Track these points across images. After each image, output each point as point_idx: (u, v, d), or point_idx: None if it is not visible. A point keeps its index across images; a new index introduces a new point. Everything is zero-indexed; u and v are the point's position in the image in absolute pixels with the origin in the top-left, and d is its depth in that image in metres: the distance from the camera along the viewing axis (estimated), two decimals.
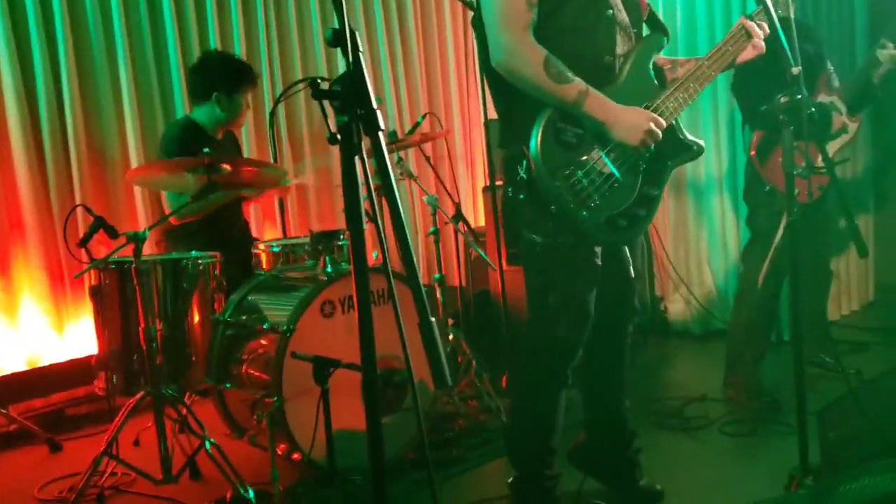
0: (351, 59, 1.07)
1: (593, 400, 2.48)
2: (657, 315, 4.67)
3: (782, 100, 2.06)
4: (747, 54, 2.18)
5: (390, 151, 3.72)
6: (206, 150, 2.92)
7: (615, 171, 2.05)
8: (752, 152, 3.17)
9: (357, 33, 1.08)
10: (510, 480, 2.28)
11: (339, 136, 1.09)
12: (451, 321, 3.67)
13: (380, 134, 1.09)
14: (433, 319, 1.05)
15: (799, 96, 2.02)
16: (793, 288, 2.19)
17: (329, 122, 1.12)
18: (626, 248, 2.17)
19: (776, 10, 2.14)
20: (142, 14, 3.92)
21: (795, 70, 2.02)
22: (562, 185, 1.98)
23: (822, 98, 3.16)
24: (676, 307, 4.73)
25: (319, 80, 1.11)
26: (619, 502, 2.41)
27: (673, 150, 2.17)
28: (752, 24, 2.17)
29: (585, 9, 2.06)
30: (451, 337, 3.52)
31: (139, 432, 3.14)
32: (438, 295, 3.56)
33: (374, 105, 1.09)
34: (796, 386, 2.24)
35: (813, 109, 2.05)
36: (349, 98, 1.08)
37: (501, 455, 2.68)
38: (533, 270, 2.21)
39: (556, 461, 2.24)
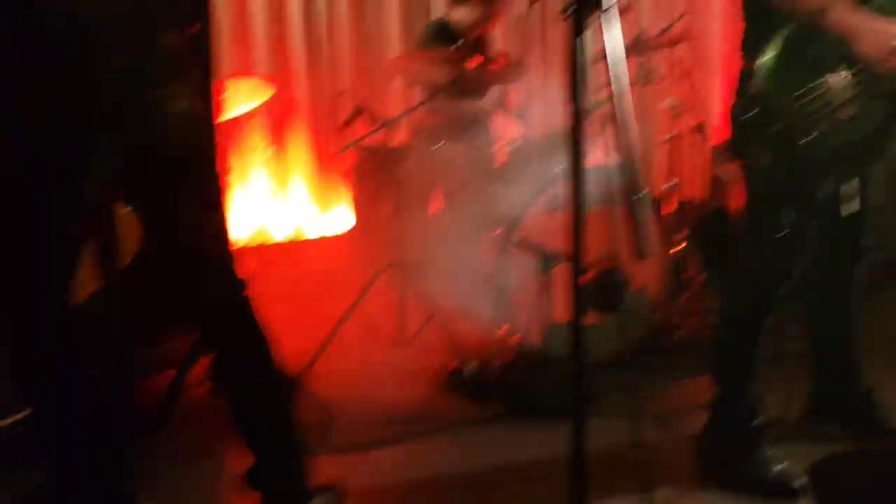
0: None
1: (820, 342, 2.38)
2: None
3: None
4: None
5: (640, 53, 3.63)
6: (456, 44, 3.06)
7: (851, 99, 1.88)
8: None
9: None
10: (711, 398, 2.28)
11: (568, 14, 1.14)
12: (682, 233, 3.61)
13: (609, 15, 1.12)
14: (644, 192, 1.09)
15: None
16: None
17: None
18: (852, 183, 1.99)
19: None
20: None
21: None
22: (790, 106, 1.87)
23: None
24: None
25: None
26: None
27: None
28: None
29: None
30: (680, 248, 3.48)
31: (381, 301, 3.47)
32: (671, 204, 3.51)
33: None
34: None
35: None
36: None
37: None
38: (752, 193, 2.11)
39: (759, 382, 2.19)
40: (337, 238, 4.19)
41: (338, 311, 3.01)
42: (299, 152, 4.18)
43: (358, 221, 3.40)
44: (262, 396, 1.88)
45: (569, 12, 1.13)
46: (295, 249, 4.26)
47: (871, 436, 2.27)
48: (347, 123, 3.10)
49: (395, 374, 2.97)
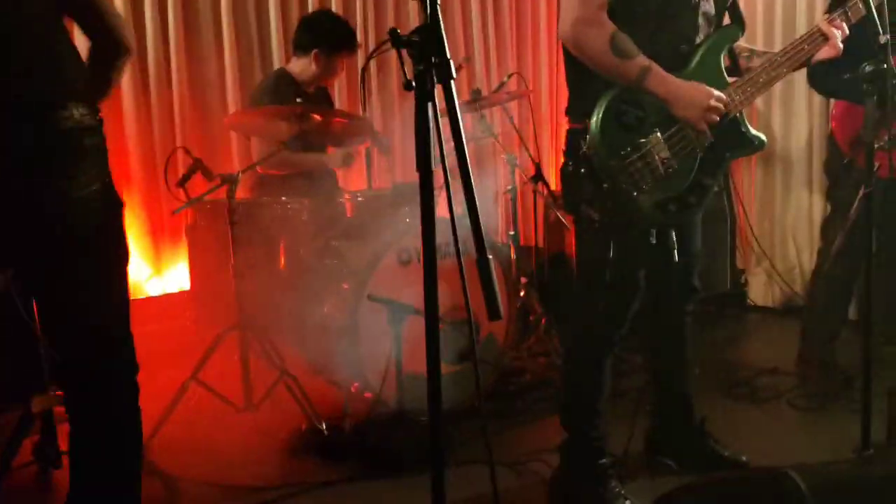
0: (429, 10, 1.15)
1: (656, 378, 2.54)
2: (737, 288, 4.61)
3: (867, 68, 2.03)
4: (823, 54, 2.18)
5: (475, 109, 3.78)
6: (298, 99, 3.05)
7: (671, 156, 2.05)
8: (833, 123, 3.10)
9: None
10: (561, 442, 2.36)
11: (413, 83, 1.17)
12: (524, 279, 3.74)
13: (451, 82, 1.16)
14: (490, 257, 1.13)
15: (885, 65, 1.98)
16: (866, 263, 2.17)
17: (405, 70, 1.20)
18: (674, 233, 2.14)
19: None
20: None
21: (883, 38, 1.98)
22: (617, 165, 2.00)
23: None
24: (758, 280, 4.66)
25: (398, 31, 1.19)
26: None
27: (733, 142, 2.16)
28: (828, 28, 2.15)
29: None
30: (522, 294, 3.60)
31: (225, 364, 3.34)
32: (512, 252, 3.64)
33: (448, 55, 1.16)
34: (863, 362, 2.23)
35: None
36: (424, 47, 1.16)
37: None
38: (586, 244, 2.25)
39: (603, 423, 2.31)
40: (177, 298, 4.00)
41: (180, 376, 2.86)
42: (132, 211, 3.98)
43: (198, 282, 3.27)
44: (112, 486, 1.77)
45: (414, 85, 1.17)
46: (133, 309, 4.01)
47: (706, 466, 2.43)
48: (183, 181, 2.99)
49: (243, 441, 2.85)
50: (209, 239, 3.11)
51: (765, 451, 2.58)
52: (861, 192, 2.10)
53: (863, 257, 2.19)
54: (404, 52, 1.22)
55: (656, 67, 2.01)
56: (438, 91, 1.20)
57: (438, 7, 1.16)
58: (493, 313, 1.11)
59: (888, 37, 1.99)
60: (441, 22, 1.17)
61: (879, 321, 3.18)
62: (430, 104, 1.18)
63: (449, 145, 1.20)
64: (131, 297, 4.01)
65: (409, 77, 1.20)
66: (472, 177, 1.15)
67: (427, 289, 1.25)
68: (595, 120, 1.99)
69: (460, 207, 1.26)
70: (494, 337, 3.12)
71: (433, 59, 1.17)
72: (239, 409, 2.92)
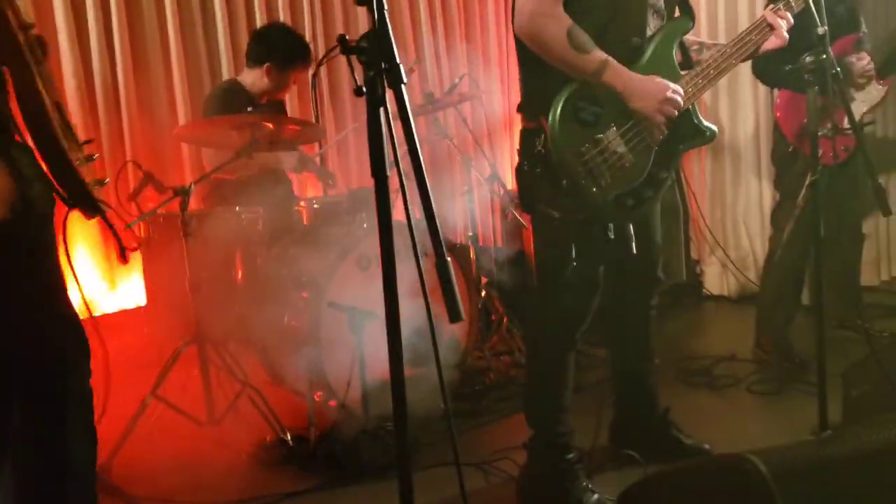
0: (376, 15, 1.15)
1: (620, 371, 2.57)
2: (692, 278, 4.69)
3: (808, 59, 2.08)
4: (770, 44, 2.22)
5: (427, 112, 3.79)
6: (249, 109, 3.02)
7: (628, 150, 2.08)
8: (777, 113, 3.18)
9: None
10: (527, 439, 2.37)
11: (364, 89, 1.17)
12: (484, 279, 3.76)
13: (402, 87, 1.16)
14: (448, 259, 1.14)
15: (825, 56, 2.04)
16: (816, 248, 2.22)
17: (356, 76, 1.20)
18: (630, 226, 2.16)
19: None
20: None
21: (821, 30, 2.04)
22: (575, 162, 2.02)
23: (851, 60, 3.13)
24: (712, 270, 4.75)
25: (347, 37, 1.19)
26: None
27: (686, 133, 2.19)
28: (774, 18, 2.20)
29: None
30: (483, 294, 3.62)
31: (185, 378, 3.29)
32: (472, 253, 3.65)
33: (398, 59, 1.16)
34: (818, 346, 2.28)
35: (838, 70, 2.06)
36: (374, 53, 1.16)
37: None
38: (545, 243, 2.26)
39: (568, 418, 2.32)
40: (133, 314, 3.92)
41: (140, 393, 2.81)
42: (84, 227, 3.90)
43: (154, 296, 3.22)
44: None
45: (365, 91, 1.17)
46: (87, 327, 3.92)
47: (670, 456, 2.46)
48: (135, 195, 2.94)
49: (207, 456, 2.81)
50: (164, 252, 3.06)
51: (726, 437, 2.62)
52: (808, 180, 2.15)
53: (812, 243, 2.24)
54: (354, 58, 1.21)
55: (613, 61, 2.02)
56: (390, 95, 1.20)
57: (386, 12, 1.16)
58: (454, 315, 1.12)
59: (826, 28, 2.05)
60: (389, 27, 1.17)
61: (831, 305, 3.27)
62: (382, 109, 1.18)
63: (403, 149, 1.20)
64: (91, 315, 3.94)
65: (359, 83, 1.19)
66: (427, 179, 1.15)
67: (387, 294, 1.25)
68: (553, 117, 2.00)
69: (417, 211, 1.26)
70: (457, 338, 3.13)
71: (383, 65, 1.17)
72: (201, 424, 2.88)
